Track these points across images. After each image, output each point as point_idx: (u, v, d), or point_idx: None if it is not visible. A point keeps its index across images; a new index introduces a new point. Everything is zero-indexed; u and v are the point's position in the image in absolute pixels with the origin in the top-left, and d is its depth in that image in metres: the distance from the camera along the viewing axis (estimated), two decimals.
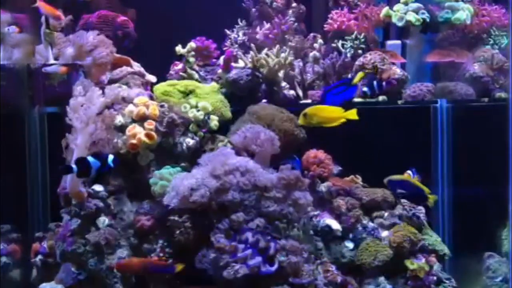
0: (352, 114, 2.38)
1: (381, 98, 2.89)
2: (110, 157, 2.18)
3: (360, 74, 2.39)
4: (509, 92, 2.12)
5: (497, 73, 2.99)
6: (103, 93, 2.49)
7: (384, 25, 3.23)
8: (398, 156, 2.87)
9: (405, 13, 3.05)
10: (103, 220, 2.38)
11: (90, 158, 2.15)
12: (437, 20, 3.09)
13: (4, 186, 2.46)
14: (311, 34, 3.19)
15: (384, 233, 2.55)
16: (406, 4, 3.08)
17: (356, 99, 2.89)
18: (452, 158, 2.95)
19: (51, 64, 2.71)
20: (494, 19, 3.16)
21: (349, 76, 2.98)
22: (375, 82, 2.46)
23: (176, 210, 2.27)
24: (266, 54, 2.82)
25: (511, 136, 2.06)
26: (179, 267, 2.24)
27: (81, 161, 2.15)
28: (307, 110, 2.37)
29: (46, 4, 2.69)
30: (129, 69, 2.82)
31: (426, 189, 2.51)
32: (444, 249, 2.57)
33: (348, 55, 3.03)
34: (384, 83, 2.50)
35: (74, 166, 2.13)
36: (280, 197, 2.26)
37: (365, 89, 2.45)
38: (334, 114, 2.36)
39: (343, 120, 2.38)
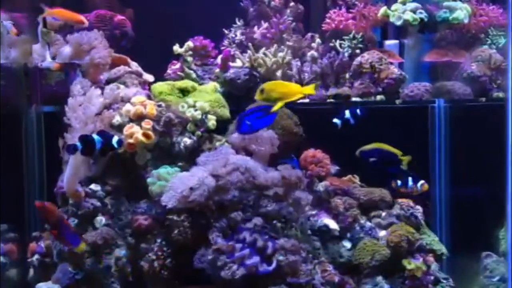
0: (310, 89, 2.32)
1: (379, 97, 2.89)
2: (115, 138, 2.17)
3: (280, 103, 2.26)
4: (507, 91, 2.12)
5: (495, 72, 2.99)
6: (102, 93, 2.49)
7: (382, 24, 3.23)
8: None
9: (403, 13, 3.04)
10: (100, 220, 2.37)
11: (94, 136, 2.14)
12: (435, 19, 3.09)
13: (1, 186, 2.46)
14: (309, 34, 3.19)
15: (382, 233, 2.55)
16: (404, 3, 3.08)
17: (354, 98, 2.90)
18: (450, 157, 2.95)
19: None
20: (492, 18, 3.16)
21: (347, 75, 2.98)
22: (347, 112, 2.35)
23: (174, 209, 2.26)
24: (264, 54, 2.82)
25: (509, 136, 2.06)
26: (82, 246, 2.20)
27: (85, 138, 2.14)
28: (265, 85, 2.32)
29: (65, 11, 2.69)
30: (126, 68, 2.81)
31: (398, 152, 2.50)
32: (442, 249, 2.57)
33: (346, 54, 3.03)
34: (358, 111, 2.38)
35: (78, 143, 2.12)
36: (279, 196, 2.26)
37: (335, 120, 2.36)
38: (292, 89, 2.31)
39: (301, 95, 2.32)
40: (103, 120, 2.41)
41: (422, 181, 2.53)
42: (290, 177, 2.29)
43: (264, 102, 2.31)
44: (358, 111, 2.37)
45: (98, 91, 2.44)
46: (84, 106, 2.36)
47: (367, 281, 2.44)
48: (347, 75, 2.99)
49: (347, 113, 2.34)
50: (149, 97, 2.62)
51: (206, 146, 2.54)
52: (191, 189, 2.21)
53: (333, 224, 2.53)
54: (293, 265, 2.18)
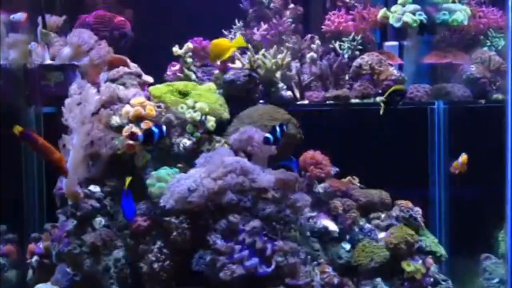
0: (240, 41, 2.76)
1: (378, 99, 2.89)
2: (164, 127, 2.33)
3: (127, 181, 2.27)
4: (507, 93, 2.12)
5: (494, 74, 3.00)
6: (99, 92, 2.48)
7: (381, 26, 3.23)
8: (395, 157, 2.88)
9: (403, 14, 3.04)
10: (99, 221, 2.37)
11: (153, 128, 2.30)
12: (435, 21, 3.09)
13: (0, 187, 2.45)
14: (309, 35, 3.19)
15: (381, 234, 2.54)
16: (403, 5, 3.08)
17: (354, 100, 2.90)
18: (449, 159, 2.95)
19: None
20: (491, 20, 3.17)
21: (346, 76, 2.98)
22: (278, 128, 2.36)
23: (173, 211, 2.26)
24: (263, 55, 2.82)
25: (509, 137, 2.06)
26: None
27: (148, 131, 2.30)
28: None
29: None
30: (126, 69, 2.81)
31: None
32: (441, 251, 2.57)
33: (346, 56, 3.03)
34: (285, 127, 2.40)
35: (140, 135, 2.28)
36: (277, 198, 2.26)
37: (267, 135, 2.37)
38: (224, 45, 2.74)
39: (233, 49, 2.77)
40: (101, 119, 2.40)
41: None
42: (287, 179, 2.29)
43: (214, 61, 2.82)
44: (284, 127, 2.36)
45: (94, 90, 2.43)
46: (81, 106, 2.35)
47: (366, 283, 2.44)
48: (346, 77, 2.99)
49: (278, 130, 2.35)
50: (148, 98, 2.61)
51: (205, 147, 2.54)
52: (189, 190, 2.21)
53: (332, 226, 2.53)
54: (292, 266, 2.18)
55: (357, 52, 3.06)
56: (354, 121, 2.92)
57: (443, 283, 2.48)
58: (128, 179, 2.25)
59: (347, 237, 2.54)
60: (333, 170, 2.71)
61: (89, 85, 2.44)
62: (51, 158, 2.13)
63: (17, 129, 2.10)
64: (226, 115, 2.67)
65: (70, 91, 2.45)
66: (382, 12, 3.11)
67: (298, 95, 2.94)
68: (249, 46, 2.85)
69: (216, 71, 2.89)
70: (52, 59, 2.75)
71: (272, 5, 3.26)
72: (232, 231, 2.19)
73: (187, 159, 2.48)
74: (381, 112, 2.50)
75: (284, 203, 2.27)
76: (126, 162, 2.46)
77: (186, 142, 2.51)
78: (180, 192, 2.22)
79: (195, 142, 2.52)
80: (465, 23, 3.08)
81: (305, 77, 2.99)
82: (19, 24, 2.75)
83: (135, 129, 2.41)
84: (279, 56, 2.82)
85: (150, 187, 2.36)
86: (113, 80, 2.74)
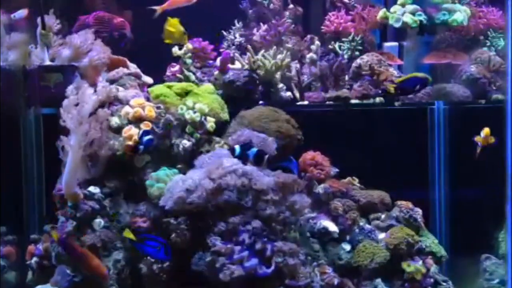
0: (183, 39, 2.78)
1: (378, 99, 2.89)
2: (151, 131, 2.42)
3: (127, 232, 2.23)
4: (507, 94, 2.12)
5: (494, 75, 3.00)
6: (95, 91, 2.47)
7: (381, 26, 3.23)
8: (395, 157, 2.87)
9: (402, 15, 3.04)
10: (99, 222, 2.36)
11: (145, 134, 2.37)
12: (434, 21, 3.09)
13: (0, 187, 2.45)
14: (308, 36, 3.19)
15: (381, 235, 2.54)
16: (403, 5, 3.08)
17: (353, 100, 2.90)
18: (449, 160, 2.95)
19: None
20: (491, 21, 3.17)
21: (346, 77, 2.98)
22: (253, 150, 2.31)
23: (172, 211, 2.26)
24: (263, 56, 2.82)
25: (509, 137, 2.06)
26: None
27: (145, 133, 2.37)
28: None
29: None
30: (125, 70, 2.81)
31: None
32: (441, 251, 2.57)
33: (345, 56, 3.03)
34: (259, 153, 2.31)
35: (141, 146, 2.33)
36: (277, 199, 2.26)
37: (236, 146, 2.31)
38: (173, 29, 2.79)
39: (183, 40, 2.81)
40: (98, 120, 2.39)
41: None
42: (286, 181, 2.28)
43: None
44: (262, 155, 2.35)
45: (91, 90, 2.42)
46: (78, 106, 2.35)
47: (366, 284, 2.43)
48: (346, 77, 2.99)
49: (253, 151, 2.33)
50: (148, 99, 2.61)
51: (204, 148, 2.53)
52: (188, 191, 2.21)
53: (332, 227, 2.52)
54: (292, 267, 2.18)
55: (357, 53, 3.06)
56: (354, 121, 2.92)
57: (443, 283, 2.48)
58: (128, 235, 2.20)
59: (347, 237, 2.54)
60: (333, 170, 2.70)
61: (86, 85, 2.43)
62: (89, 264, 2.23)
63: (55, 235, 2.25)
64: (225, 116, 2.67)
65: (67, 92, 2.44)
66: (381, 12, 3.11)
67: (297, 95, 2.94)
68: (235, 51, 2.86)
69: (216, 72, 2.89)
70: (52, 60, 2.74)
71: (271, 5, 3.26)
72: (231, 232, 2.19)
73: (186, 160, 2.48)
74: (390, 89, 2.52)
75: (284, 204, 2.27)
76: (126, 163, 2.46)
77: (185, 143, 2.50)
78: (179, 193, 2.22)
79: (195, 143, 2.52)
80: (465, 23, 3.08)
81: (305, 77, 2.99)
82: (18, 24, 2.75)
83: (134, 130, 2.41)
84: (279, 56, 2.81)
85: (149, 187, 2.36)
86: (112, 81, 2.74)
